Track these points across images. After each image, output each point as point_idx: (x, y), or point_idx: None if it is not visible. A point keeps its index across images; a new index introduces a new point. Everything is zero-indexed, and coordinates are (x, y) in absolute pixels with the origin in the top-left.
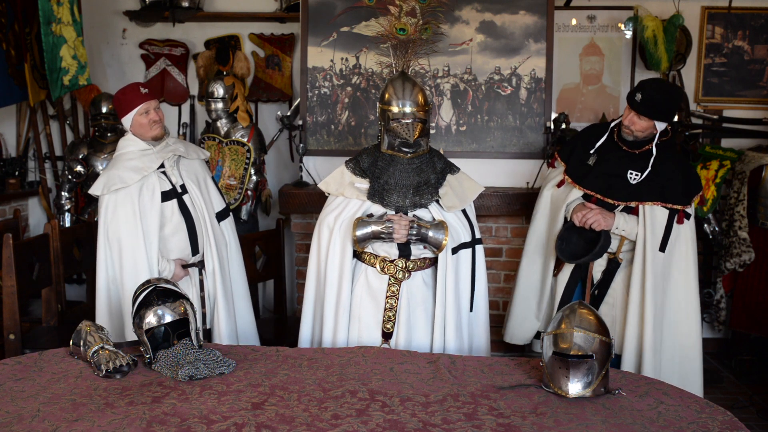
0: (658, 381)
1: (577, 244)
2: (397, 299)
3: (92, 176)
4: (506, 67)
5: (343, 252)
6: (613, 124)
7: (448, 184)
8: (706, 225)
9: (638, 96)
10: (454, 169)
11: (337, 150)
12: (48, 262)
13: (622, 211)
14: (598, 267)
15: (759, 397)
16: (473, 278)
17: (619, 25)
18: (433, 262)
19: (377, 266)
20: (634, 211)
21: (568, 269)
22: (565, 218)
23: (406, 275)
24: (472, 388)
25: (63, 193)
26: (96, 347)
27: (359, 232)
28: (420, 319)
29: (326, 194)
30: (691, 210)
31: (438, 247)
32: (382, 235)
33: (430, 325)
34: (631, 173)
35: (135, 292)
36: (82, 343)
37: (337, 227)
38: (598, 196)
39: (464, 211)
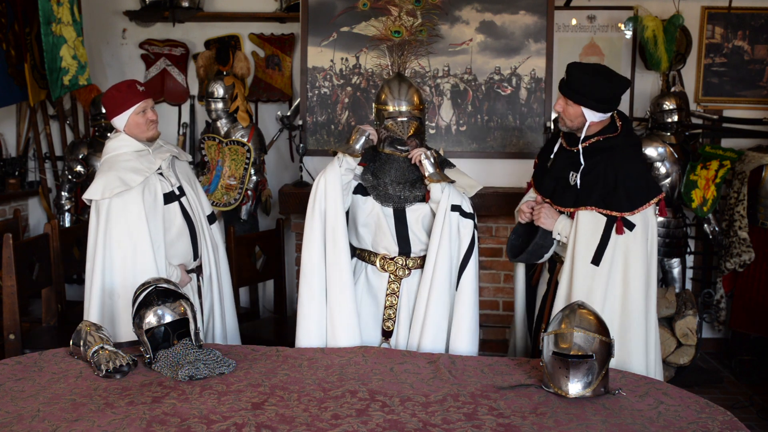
0: (658, 381)
1: (526, 242)
2: (398, 297)
3: (92, 176)
4: (506, 67)
5: (335, 242)
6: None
7: None
8: (706, 225)
9: (565, 77)
10: (450, 165)
11: None
12: (48, 262)
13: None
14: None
15: (759, 397)
16: (467, 257)
17: (619, 25)
18: None
19: (377, 264)
20: (572, 215)
21: (544, 280)
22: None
23: (406, 272)
24: (472, 388)
25: (63, 193)
26: (96, 347)
27: (357, 145)
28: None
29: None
30: (636, 219)
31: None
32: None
33: (432, 323)
34: (571, 174)
35: (135, 292)
36: (82, 343)
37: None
38: (547, 201)
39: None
